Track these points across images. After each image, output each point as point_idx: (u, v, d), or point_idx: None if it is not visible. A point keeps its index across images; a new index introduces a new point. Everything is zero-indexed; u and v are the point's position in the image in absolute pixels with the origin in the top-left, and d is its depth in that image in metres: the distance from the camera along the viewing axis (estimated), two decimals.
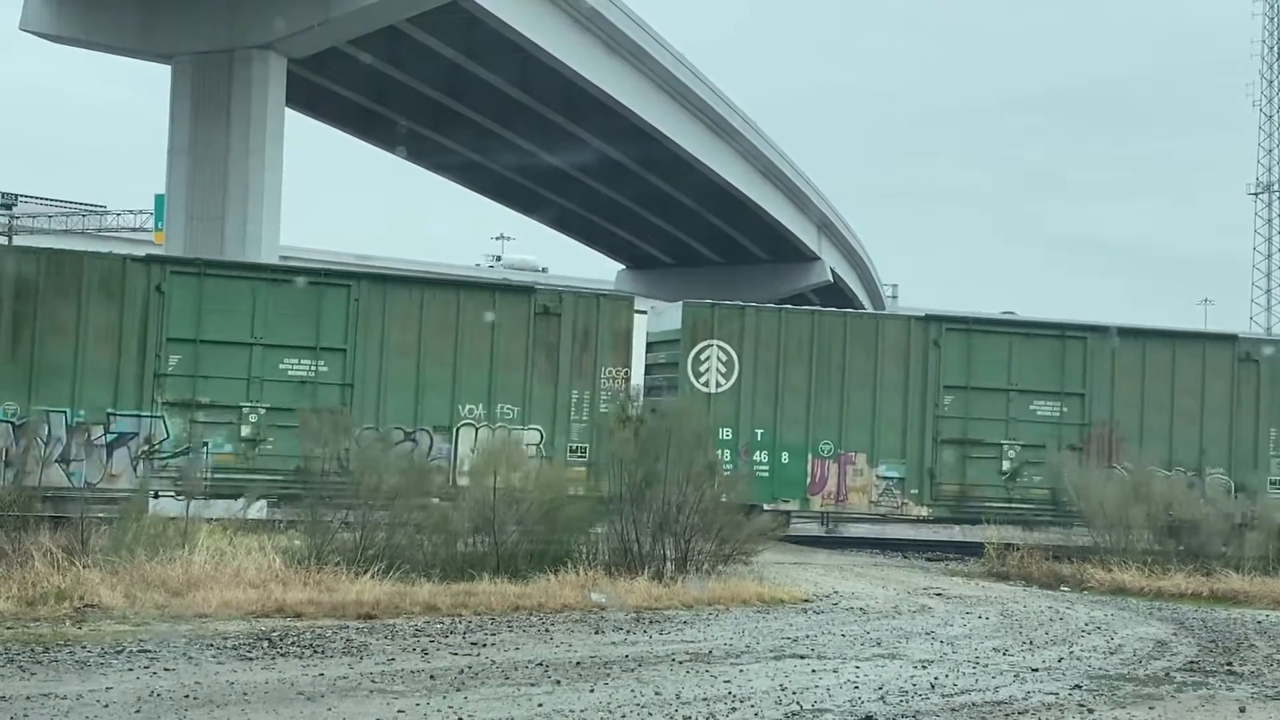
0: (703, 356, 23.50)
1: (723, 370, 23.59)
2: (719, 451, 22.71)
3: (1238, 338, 26.08)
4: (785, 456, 23.61)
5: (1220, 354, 25.36)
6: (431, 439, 21.01)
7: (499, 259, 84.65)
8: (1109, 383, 24.82)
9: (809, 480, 23.80)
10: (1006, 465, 24.28)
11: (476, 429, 21.35)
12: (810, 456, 23.76)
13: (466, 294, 22.00)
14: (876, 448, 23.79)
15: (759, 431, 23.58)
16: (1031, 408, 24.54)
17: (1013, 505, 23.57)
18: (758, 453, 23.57)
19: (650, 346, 24.78)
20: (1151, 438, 24.60)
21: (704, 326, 23.63)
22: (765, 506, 22.52)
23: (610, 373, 22.21)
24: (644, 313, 26.27)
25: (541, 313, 21.90)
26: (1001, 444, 24.33)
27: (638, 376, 24.09)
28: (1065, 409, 24.66)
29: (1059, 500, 23.84)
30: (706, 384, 23.44)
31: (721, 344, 23.59)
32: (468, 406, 21.42)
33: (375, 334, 20.98)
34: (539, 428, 21.69)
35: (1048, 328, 26.33)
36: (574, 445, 21.85)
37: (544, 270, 79.91)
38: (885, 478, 23.75)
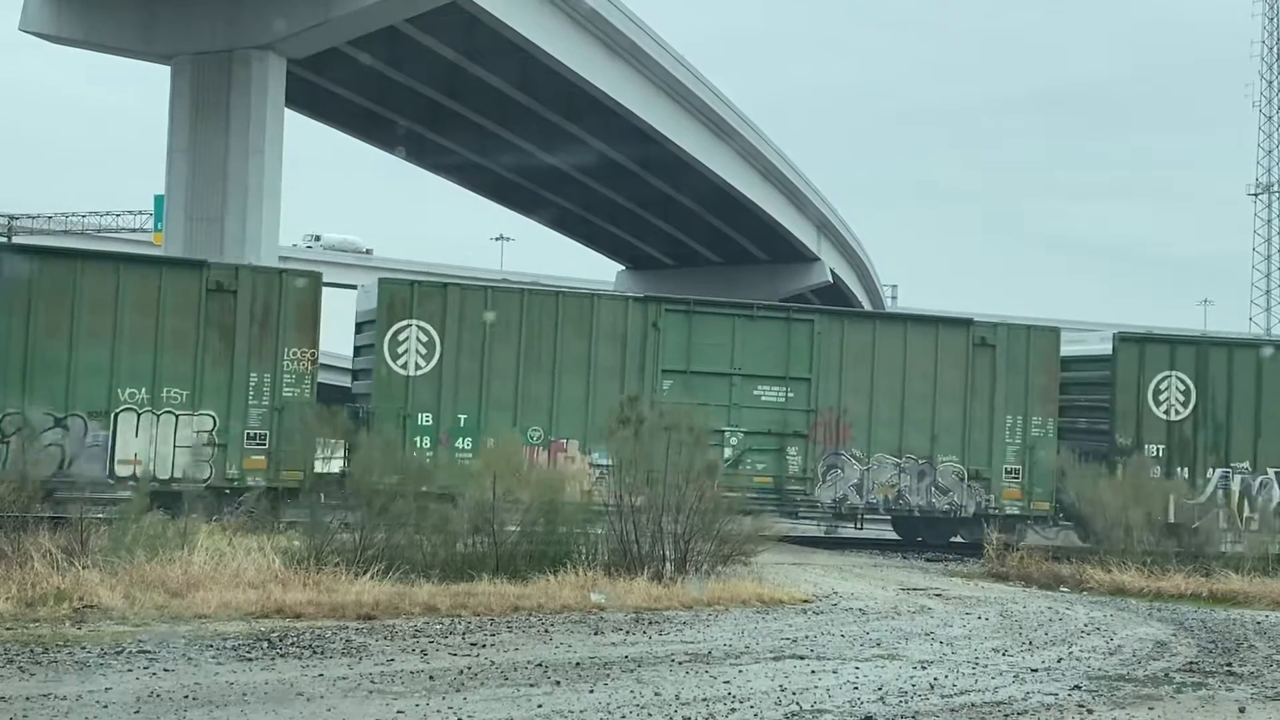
0: (401, 337, 22.35)
1: (423, 352, 22.45)
2: (415, 439, 21.87)
3: (973, 322, 25.49)
4: (490, 443, 21.83)
5: (955, 338, 24.85)
6: (86, 425, 20.08)
7: (318, 238, 78.42)
8: (837, 367, 24.21)
9: None
10: (729, 453, 23.40)
11: (139, 414, 20.40)
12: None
13: (128, 269, 20.85)
14: (590, 434, 22.48)
15: (462, 417, 22.52)
16: (756, 393, 23.81)
17: (734, 494, 21.87)
18: (460, 439, 22.48)
19: (359, 327, 23.60)
20: (881, 424, 24.16)
21: (402, 305, 22.46)
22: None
23: (295, 354, 21.23)
24: (354, 287, 24.73)
25: (215, 289, 20.92)
26: (724, 431, 23.39)
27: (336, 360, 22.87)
28: (791, 394, 23.98)
29: (783, 489, 23.55)
30: (404, 366, 22.29)
31: (421, 324, 22.43)
32: (129, 390, 20.39)
33: (21, 310, 19.93)
34: (211, 413, 20.74)
35: (774, 310, 25.61)
36: (252, 432, 20.85)
37: (368, 251, 75.19)
38: (599, 465, 21.85)
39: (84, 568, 13.88)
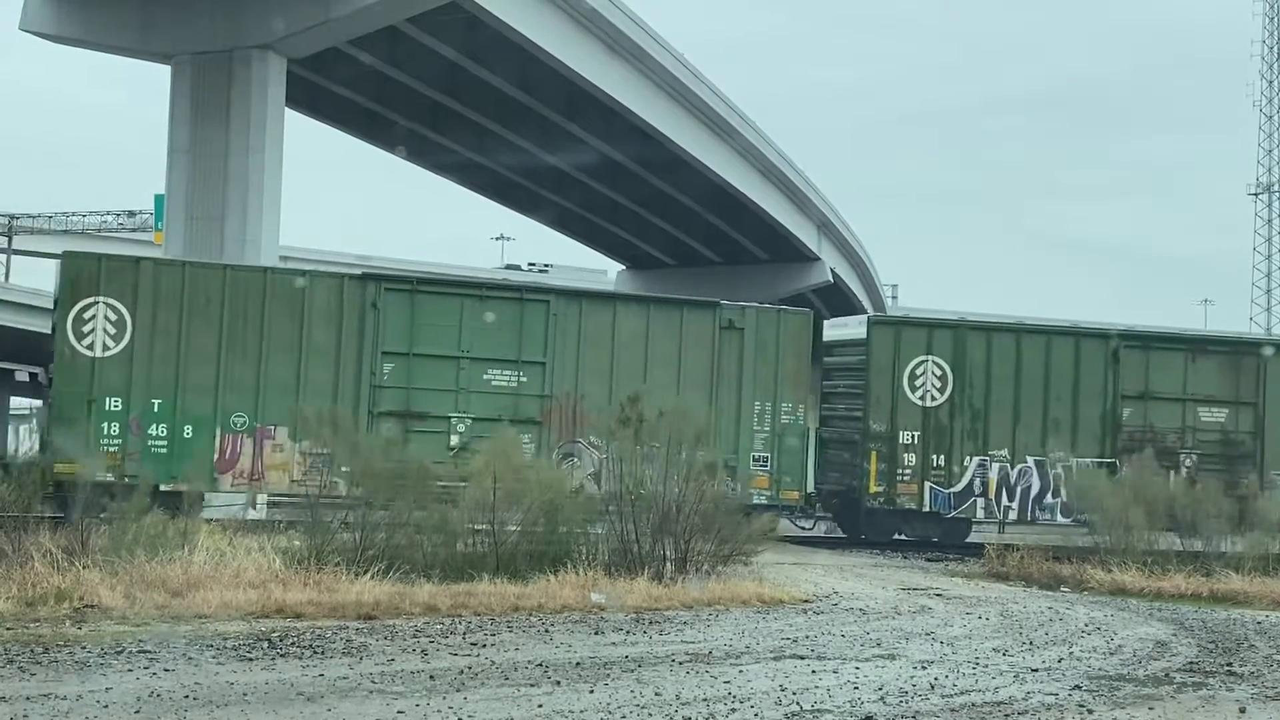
0: (87, 315, 21.08)
1: (111, 331, 21.17)
2: (102, 425, 20.85)
3: (720, 304, 24.61)
4: (189, 430, 21.38)
5: (701, 320, 23.89)
6: None
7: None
8: (575, 351, 23.13)
9: (217, 457, 21.54)
10: (455, 440, 22.24)
11: None
12: (220, 431, 21.55)
13: None
14: (301, 421, 21.18)
15: (156, 402, 21.30)
16: (485, 377, 22.67)
17: (463, 483, 21.19)
18: (154, 426, 21.25)
19: (57, 304, 22.08)
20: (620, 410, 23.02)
21: (88, 281, 21.17)
22: (163, 487, 19.92)
23: None
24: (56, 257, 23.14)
25: None
26: (450, 417, 22.39)
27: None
28: (524, 379, 22.89)
29: None
30: (91, 347, 21.04)
31: (110, 301, 21.15)
32: None
33: None
34: None
35: (505, 290, 24.74)
36: None
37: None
38: (310, 454, 20.87)
39: (84, 567, 13.90)
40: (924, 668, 11.69)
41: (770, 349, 24.10)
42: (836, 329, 27.09)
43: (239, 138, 34.10)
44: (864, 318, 27.14)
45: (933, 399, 25.01)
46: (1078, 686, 11.02)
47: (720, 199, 52.81)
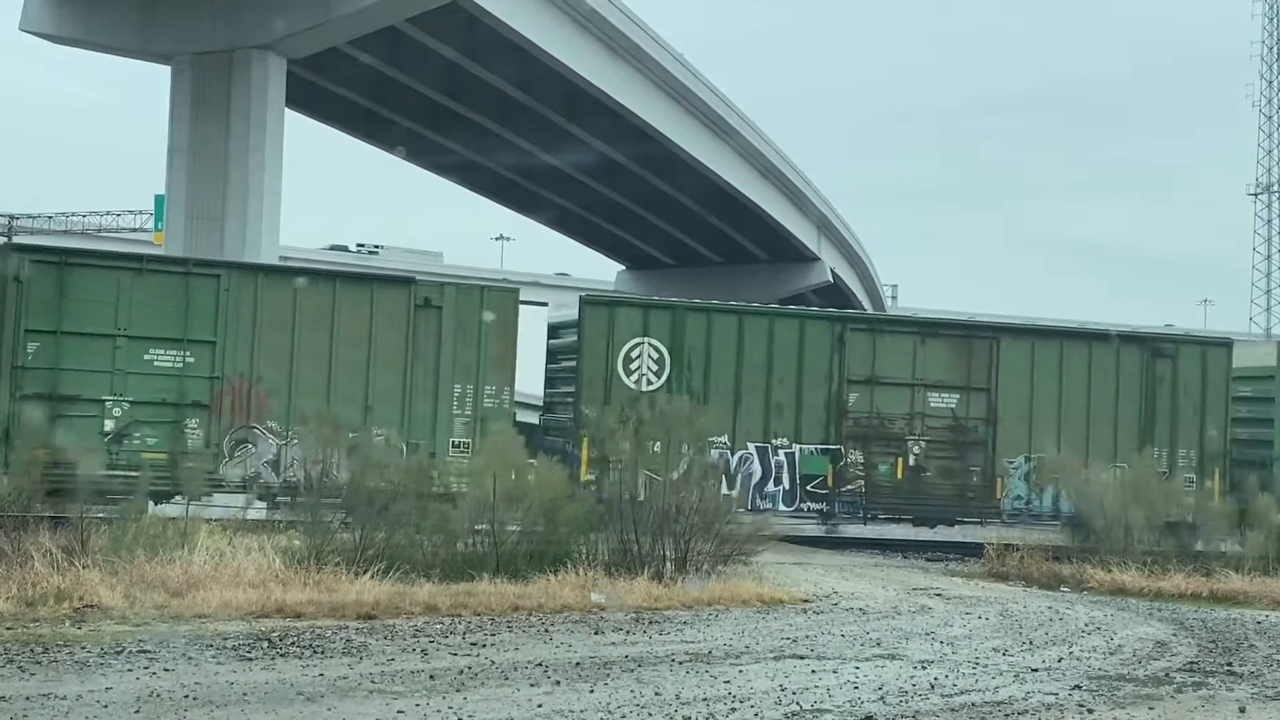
0: None
1: None
2: None
3: (415, 280, 23.19)
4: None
5: (394, 299, 22.33)
6: None
7: None
8: (250, 330, 21.42)
9: None
10: (110, 425, 20.62)
11: None
12: None
13: None
14: None
15: None
16: (147, 358, 20.98)
17: (118, 473, 19.42)
18: None
19: None
20: (305, 394, 21.29)
21: None
22: None
23: None
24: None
25: None
26: (104, 401, 20.66)
27: None
28: (191, 359, 21.16)
29: (182, 466, 20.45)
30: None
31: None
32: None
33: None
34: None
35: (169, 263, 23.00)
36: None
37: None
38: None
39: (84, 567, 13.88)
40: (924, 667, 11.69)
41: (472, 329, 22.51)
42: (557, 310, 25.83)
43: (239, 138, 34.15)
44: (579, 296, 25.47)
45: (649, 383, 23.71)
46: (1078, 686, 11.02)
47: (720, 199, 52.85)
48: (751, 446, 24.24)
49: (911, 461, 24.88)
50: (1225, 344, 27.34)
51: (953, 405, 25.22)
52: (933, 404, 25.13)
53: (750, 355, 24.35)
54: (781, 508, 24.26)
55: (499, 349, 22.77)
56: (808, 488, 24.21)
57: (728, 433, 23.93)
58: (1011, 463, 25.29)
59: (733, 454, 24.01)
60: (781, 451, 24.37)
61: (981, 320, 30.77)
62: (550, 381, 25.25)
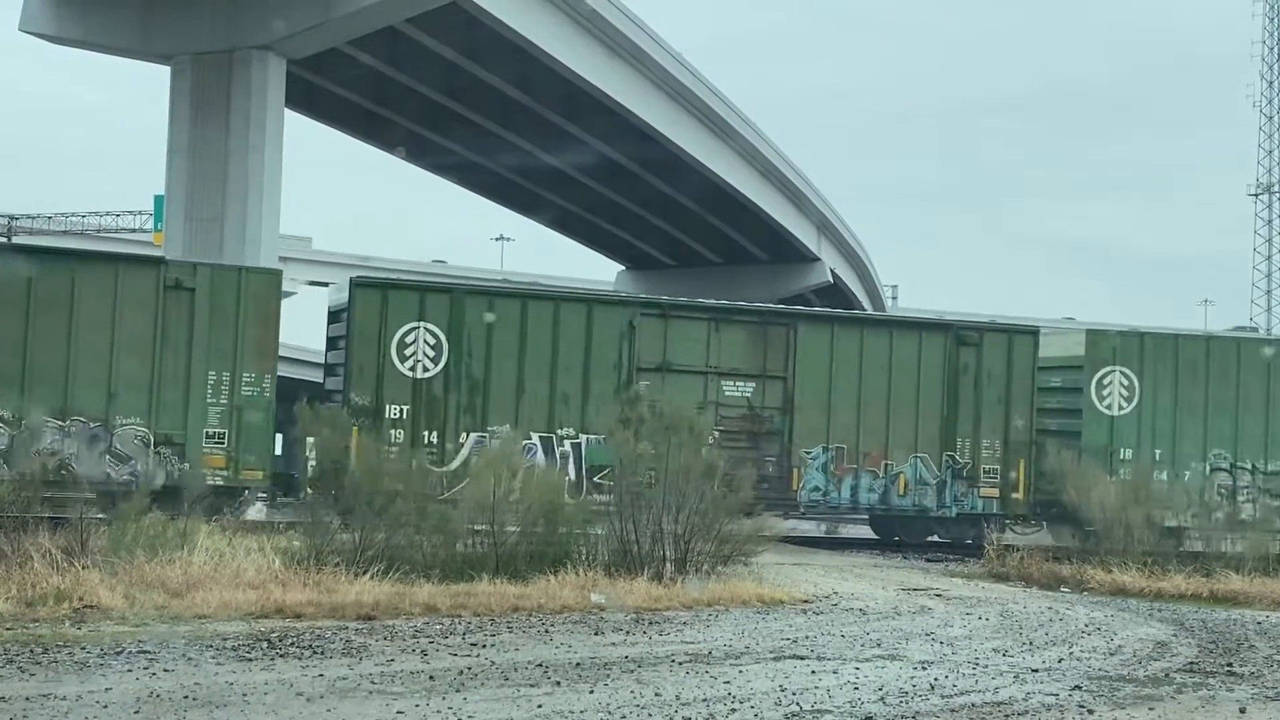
0: None
1: None
2: None
3: (166, 261, 22.11)
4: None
5: (141, 281, 21.06)
6: None
7: None
8: None
9: None
10: None
11: None
12: None
13: None
14: None
15: None
16: None
17: None
18: None
19: None
20: (39, 382, 20.19)
21: None
22: None
23: None
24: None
25: None
26: None
27: None
28: None
29: None
30: None
31: None
32: None
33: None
34: None
35: None
36: None
37: None
38: None
39: (84, 568, 13.88)
40: (924, 668, 11.69)
41: (229, 313, 21.38)
42: (336, 294, 24.36)
43: (239, 138, 34.14)
44: (350, 278, 24.17)
45: (425, 369, 22.75)
46: (1078, 687, 11.02)
47: (720, 199, 52.85)
48: (535, 437, 23.22)
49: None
50: (1031, 332, 26.78)
51: (748, 394, 24.44)
52: (727, 393, 24.33)
53: (535, 341, 23.36)
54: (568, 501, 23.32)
55: (259, 334, 21.63)
56: (595, 479, 22.84)
57: (509, 422, 22.85)
58: (809, 453, 24.58)
59: (515, 444, 22.71)
60: (567, 442, 23.45)
61: (778, 307, 29.73)
62: (330, 369, 24.01)
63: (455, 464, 22.54)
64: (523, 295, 24.73)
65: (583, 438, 23.44)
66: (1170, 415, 26.06)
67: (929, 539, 26.60)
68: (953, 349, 25.45)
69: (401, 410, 22.56)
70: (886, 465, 24.95)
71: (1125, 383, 25.98)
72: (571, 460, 23.30)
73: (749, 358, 24.60)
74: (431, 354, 22.82)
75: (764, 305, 28.90)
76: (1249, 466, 25.97)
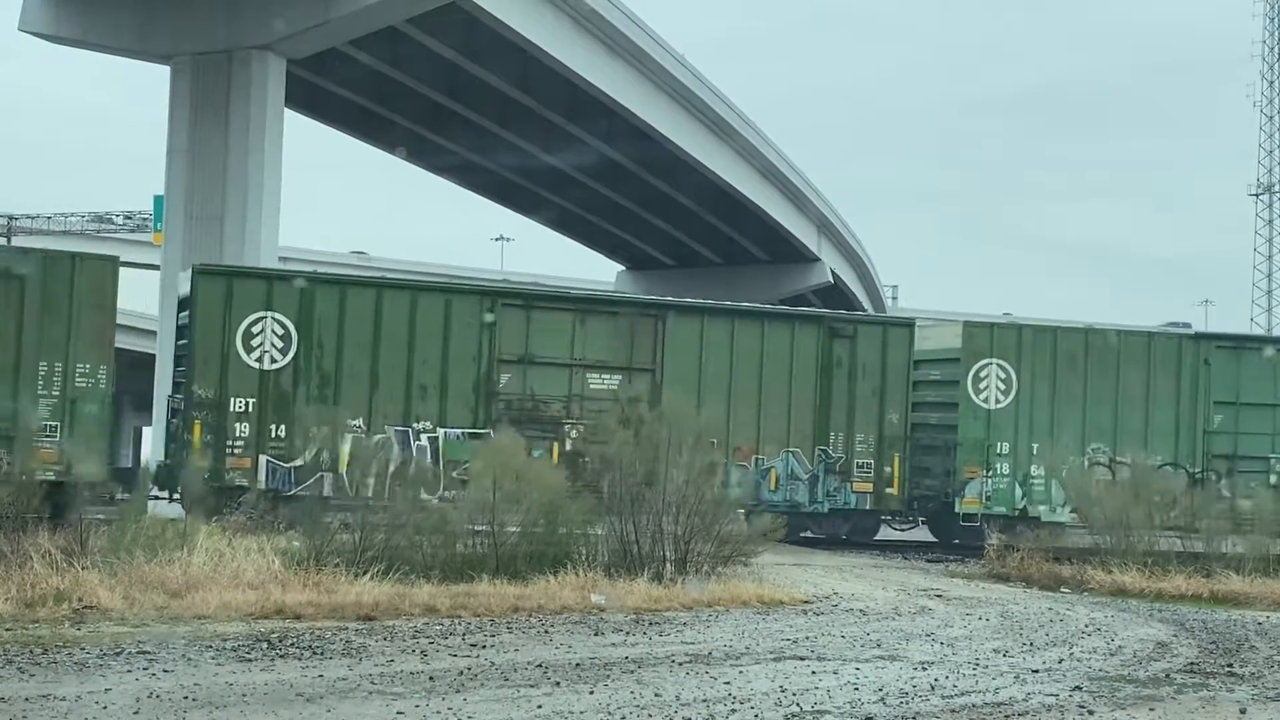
0: None
1: None
2: None
3: None
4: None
5: None
6: None
7: None
8: None
9: None
10: None
11: None
12: None
13: None
14: None
15: None
16: None
17: None
18: None
19: None
20: None
21: None
22: None
23: None
24: None
25: None
26: None
27: None
28: None
29: None
30: None
31: None
32: None
33: None
34: None
35: None
36: None
37: None
38: None
39: (83, 568, 13.88)
40: (924, 669, 11.68)
41: (62, 302, 20.45)
42: (185, 283, 23.57)
43: (238, 138, 34.13)
44: (192, 266, 23.43)
45: (273, 361, 22.14)
46: (1078, 687, 11.01)
47: (720, 200, 52.85)
48: (391, 430, 22.69)
49: (568, 446, 23.28)
50: (907, 324, 26.34)
51: (614, 387, 23.82)
52: (593, 385, 23.74)
53: (390, 332, 22.80)
54: (423, 496, 21.92)
55: (94, 323, 20.72)
56: (453, 474, 22.26)
57: (363, 415, 22.44)
58: None
59: (369, 438, 22.50)
60: (425, 436, 22.87)
61: (646, 298, 29.00)
62: (179, 360, 23.34)
63: (304, 459, 22.14)
64: (378, 285, 24.13)
65: (440, 431, 22.86)
66: (1048, 408, 25.66)
67: (803, 534, 25.87)
68: (826, 341, 25.00)
69: (247, 403, 21.95)
70: (758, 460, 24.57)
71: (1003, 375, 25.56)
72: (429, 454, 22.70)
73: (616, 350, 24.01)
74: (280, 345, 22.24)
75: (630, 295, 28.31)
76: (1129, 460, 25.50)
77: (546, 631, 13.21)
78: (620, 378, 23.94)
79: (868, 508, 25.20)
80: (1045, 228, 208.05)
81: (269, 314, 22.23)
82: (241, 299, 22.22)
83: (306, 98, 41.71)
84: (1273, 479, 24.48)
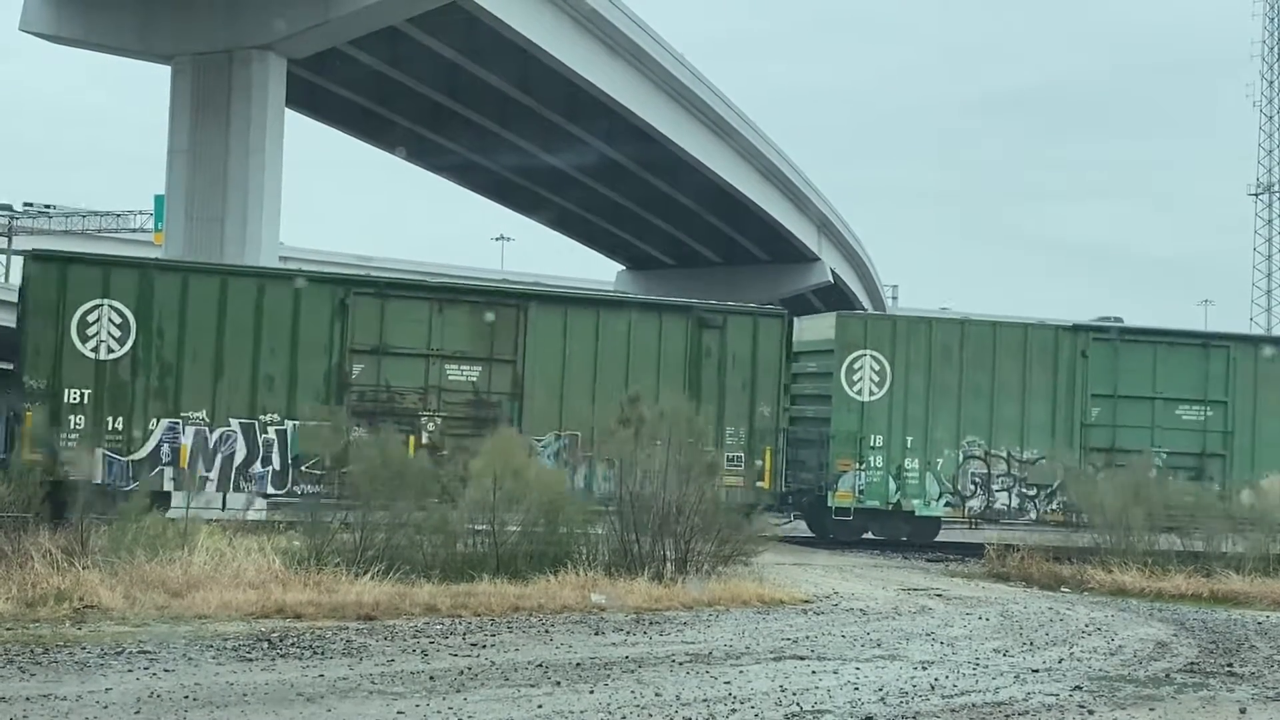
0: None
1: None
2: None
3: None
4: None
5: None
6: None
7: None
8: None
9: None
10: None
11: None
12: None
13: None
14: None
15: None
16: None
17: None
18: None
19: None
20: None
21: None
22: None
23: None
24: None
25: None
26: None
27: None
28: None
29: None
30: None
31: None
32: None
33: None
34: None
35: None
36: None
37: None
38: None
39: (84, 568, 13.89)
40: (924, 668, 11.68)
41: None
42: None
43: (239, 138, 34.13)
44: (29, 252, 22.31)
45: (110, 350, 21.40)
46: (1078, 687, 11.02)
47: (720, 199, 52.86)
48: (235, 423, 21.92)
49: (425, 439, 22.64)
50: (779, 315, 25.33)
51: (474, 378, 23.09)
52: (451, 377, 23.00)
53: (235, 321, 22.06)
54: (271, 490, 22.00)
55: None
56: (303, 468, 21.77)
57: (206, 407, 21.73)
58: (540, 440, 23.02)
59: (211, 431, 21.74)
60: (271, 429, 22.10)
61: (506, 288, 28.45)
62: (13, 350, 22.71)
63: (143, 453, 21.59)
64: (222, 272, 23.46)
65: (289, 424, 22.13)
66: (923, 400, 25.38)
67: None
68: (695, 332, 24.18)
69: (82, 394, 21.24)
70: None
71: (876, 367, 25.27)
72: (276, 448, 22.04)
73: (475, 340, 23.27)
74: (117, 334, 21.54)
75: (489, 284, 27.45)
76: (1004, 454, 25.34)
77: (547, 631, 13.22)
78: (480, 368, 23.20)
79: (737, 502, 24.60)
80: (1045, 228, 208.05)
81: (106, 301, 21.50)
82: (77, 286, 21.49)
83: (307, 98, 41.72)
84: (1152, 474, 24.17)
